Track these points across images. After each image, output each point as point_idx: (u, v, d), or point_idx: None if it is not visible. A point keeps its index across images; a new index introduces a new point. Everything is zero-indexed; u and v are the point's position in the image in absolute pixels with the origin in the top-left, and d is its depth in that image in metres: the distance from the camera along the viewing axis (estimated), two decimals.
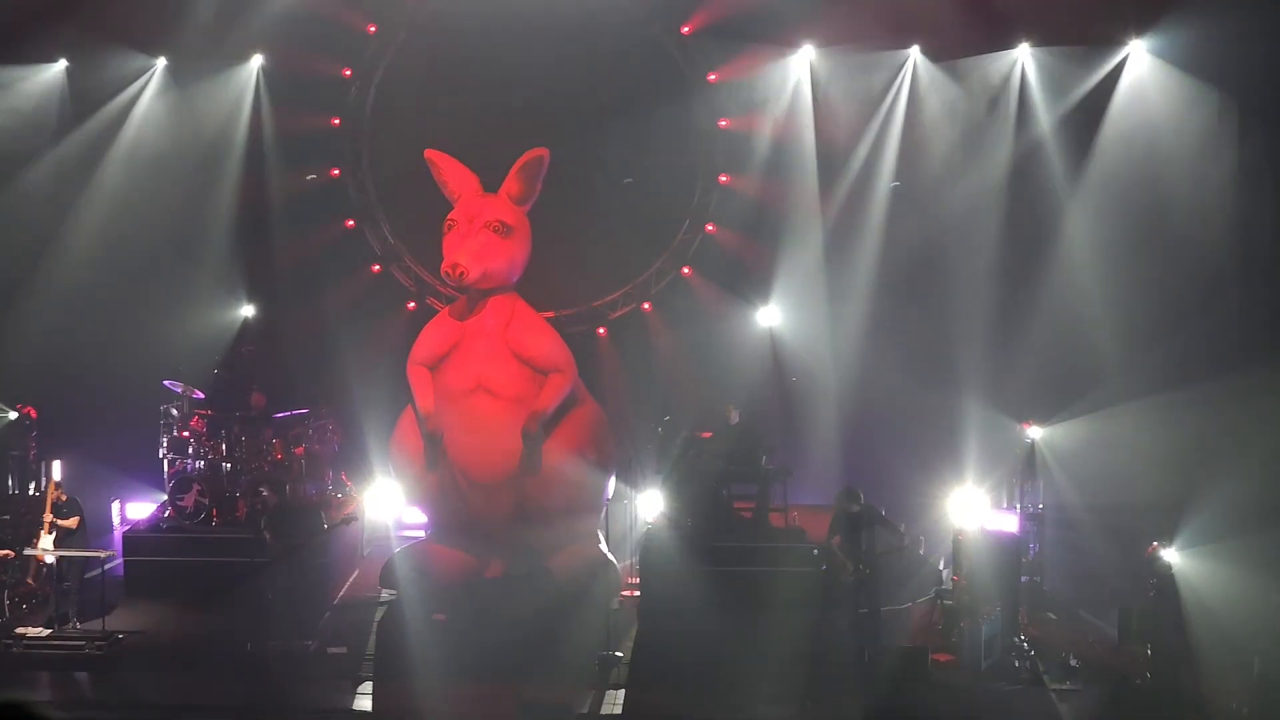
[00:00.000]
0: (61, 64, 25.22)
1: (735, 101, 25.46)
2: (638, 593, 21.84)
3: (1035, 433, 22.83)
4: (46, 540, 20.64)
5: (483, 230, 21.32)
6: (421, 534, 23.35)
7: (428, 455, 21.54)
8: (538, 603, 21.00)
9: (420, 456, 21.67)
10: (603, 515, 22.73)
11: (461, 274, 21.01)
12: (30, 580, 21.06)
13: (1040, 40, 24.40)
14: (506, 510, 21.61)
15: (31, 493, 23.15)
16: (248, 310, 25.87)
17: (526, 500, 21.48)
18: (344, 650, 19.91)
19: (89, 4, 24.50)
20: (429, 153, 22.04)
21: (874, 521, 19.89)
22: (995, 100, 24.63)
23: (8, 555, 21.06)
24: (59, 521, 20.76)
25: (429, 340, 21.97)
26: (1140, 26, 23.88)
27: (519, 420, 21.25)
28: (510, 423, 21.30)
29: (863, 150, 24.95)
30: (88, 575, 21.16)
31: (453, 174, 21.93)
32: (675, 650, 19.77)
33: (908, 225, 24.76)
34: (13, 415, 23.86)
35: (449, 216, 21.58)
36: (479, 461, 21.44)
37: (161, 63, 25.37)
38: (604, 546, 22.31)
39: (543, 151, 21.60)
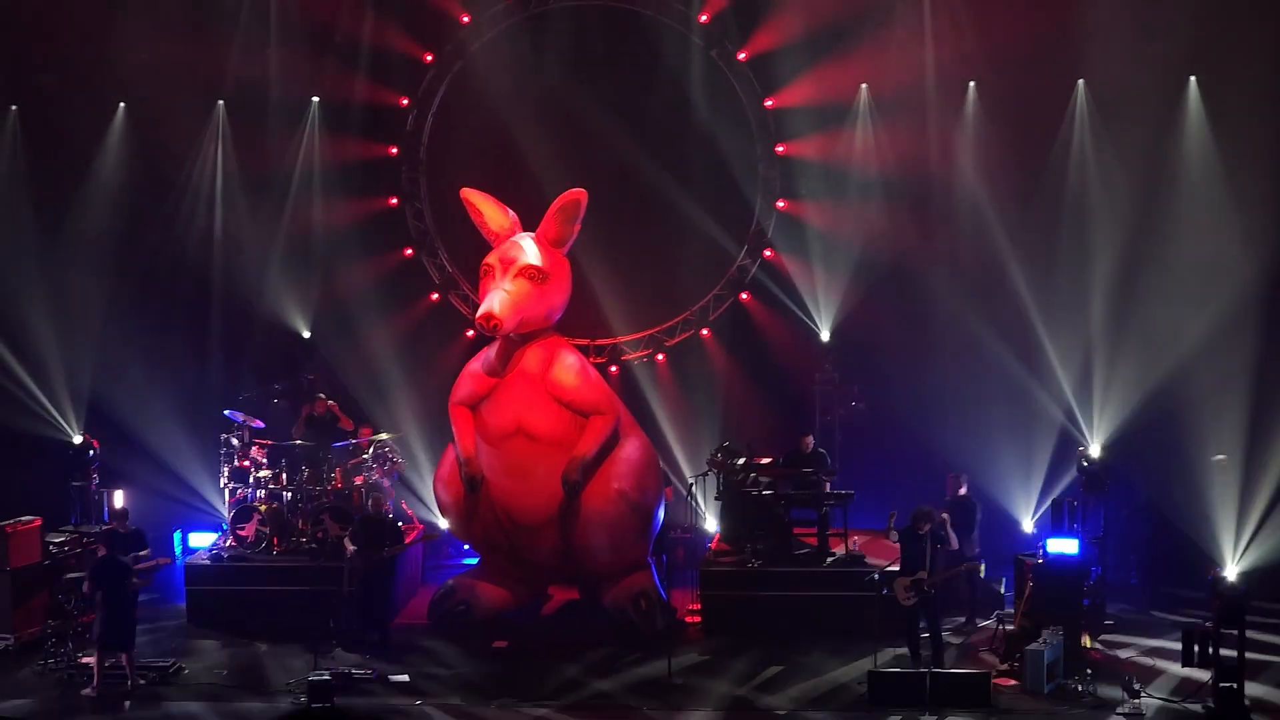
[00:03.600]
0: (120, 107, 25.48)
1: (793, 126, 25.39)
2: (699, 619, 21.85)
3: (1096, 451, 22.70)
4: None
5: (517, 278, 20.99)
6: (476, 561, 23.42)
7: (467, 500, 21.56)
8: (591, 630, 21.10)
9: (461, 498, 21.74)
10: (653, 543, 22.64)
11: (495, 326, 20.82)
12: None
13: (1095, 78, 24.28)
14: (551, 549, 21.63)
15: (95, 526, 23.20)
16: (307, 339, 25.91)
17: (570, 541, 21.46)
18: (406, 678, 19.89)
19: (144, 53, 24.77)
20: (464, 192, 21.77)
21: (939, 541, 19.79)
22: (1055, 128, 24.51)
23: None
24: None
25: (469, 381, 21.83)
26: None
27: (560, 463, 21.14)
28: (551, 466, 21.18)
29: (923, 173, 24.84)
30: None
31: (490, 213, 21.70)
32: (736, 675, 19.79)
33: (970, 247, 24.62)
34: (78, 439, 24.07)
35: (484, 261, 21.39)
36: (521, 505, 21.44)
37: (220, 105, 25.62)
38: (656, 576, 22.24)
39: (580, 194, 21.22)
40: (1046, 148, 24.38)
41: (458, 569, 23.76)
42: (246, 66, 25.47)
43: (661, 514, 22.38)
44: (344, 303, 25.74)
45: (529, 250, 21.18)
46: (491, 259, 21.31)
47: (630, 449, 21.96)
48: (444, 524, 23.58)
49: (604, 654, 20.71)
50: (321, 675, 19.00)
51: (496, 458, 21.44)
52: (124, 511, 21.36)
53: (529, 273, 20.99)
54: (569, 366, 21.63)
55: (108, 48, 24.74)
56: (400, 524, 22.93)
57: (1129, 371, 23.39)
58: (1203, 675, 18.58)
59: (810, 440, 22.92)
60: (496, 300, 20.77)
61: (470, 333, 25.54)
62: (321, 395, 24.51)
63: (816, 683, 19.65)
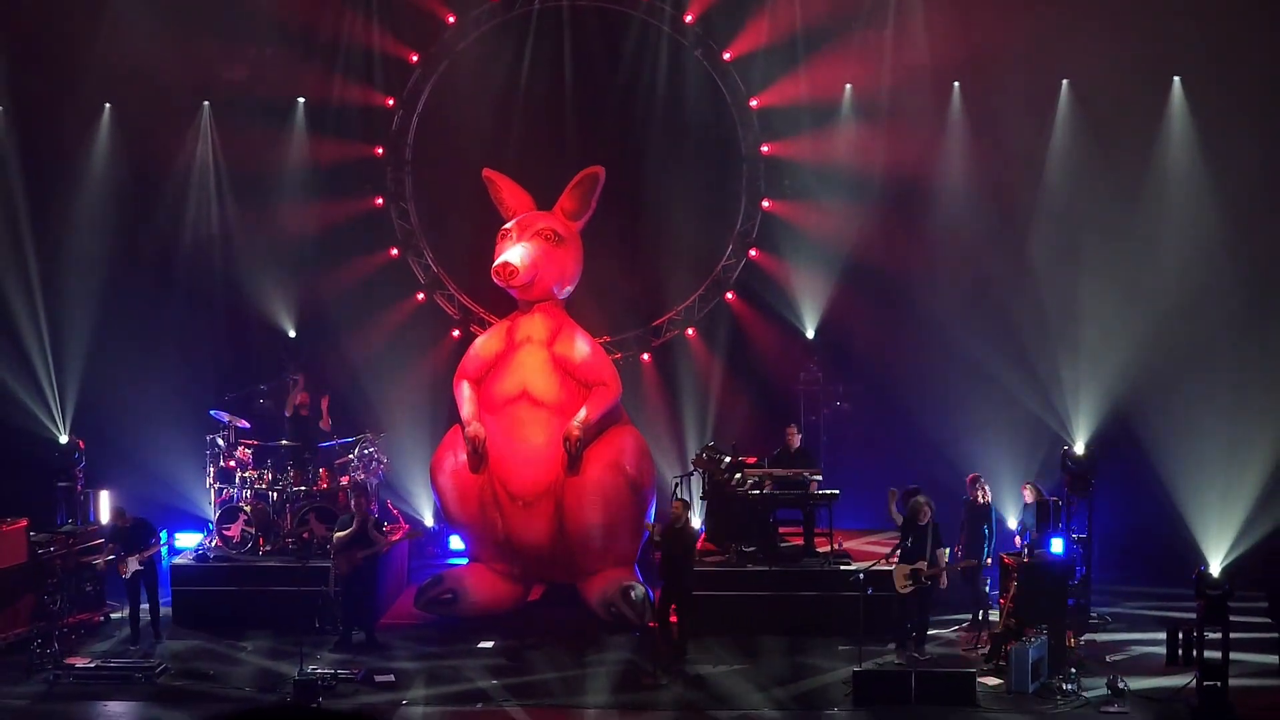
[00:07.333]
0: (105, 108, 25.51)
1: (778, 126, 25.42)
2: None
3: (1081, 450, 22.72)
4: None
5: (535, 236, 21.78)
6: (464, 560, 23.39)
7: (471, 461, 21.73)
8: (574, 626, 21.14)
9: (459, 476, 21.84)
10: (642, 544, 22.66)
11: (512, 272, 21.36)
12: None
13: (1080, 79, 24.34)
14: (544, 529, 21.68)
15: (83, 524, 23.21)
16: (293, 338, 25.90)
17: (564, 516, 21.53)
18: (391, 678, 19.87)
19: (129, 55, 24.70)
20: (487, 172, 22.61)
21: (936, 538, 19.95)
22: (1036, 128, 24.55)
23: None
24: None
25: (477, 353, 22.39)
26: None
27: (560, 430, 21.46)
28: (552, 432, 21.60)
29: (907, 174, 24.85)
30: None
31: (510, 192, 22.49)
32: (718, 674, 19.86)
33: (954, 247, 24.64)
34: (64, 439, 24.05)
35: (502, 229, 22.09)
36: (518, 475, 21.60)
37: (206, 106, 25.67)
38: (638, 574, 22.28)
39: (598, 169, 22.13)
40: (1031, 148, 24.41)
41: (443, 568, 23.72)
42: (231, 67, 25.51)
43: (652, 516, 22.40)
44: (329, 302, 25.72)
45: (547, 217, 22.17)
46: (509, 226, 22.11)
47: (628, 433, 22.49)
48: (431, 522, 23.62)
49: (588, 654, 20.71)
50: (308, 675, 19.08)
51: (499, 423, 21.84)
52: (119, 511, 21.58)
53: (546, 233, 21.91)
54: (577, 337, 22.40)
55: (93, 49, 24.71)
56: (385, 524, 22.93)
57: (1113, 371, 23.41)
58: (1187, 673, 18.63)
59: (795, 430, 23.01)
60: (514, 251, 21.59)
61: (456, 333, 25.60)
62: (303, 389, 24.48)
63: (801, 682, 19.67)
